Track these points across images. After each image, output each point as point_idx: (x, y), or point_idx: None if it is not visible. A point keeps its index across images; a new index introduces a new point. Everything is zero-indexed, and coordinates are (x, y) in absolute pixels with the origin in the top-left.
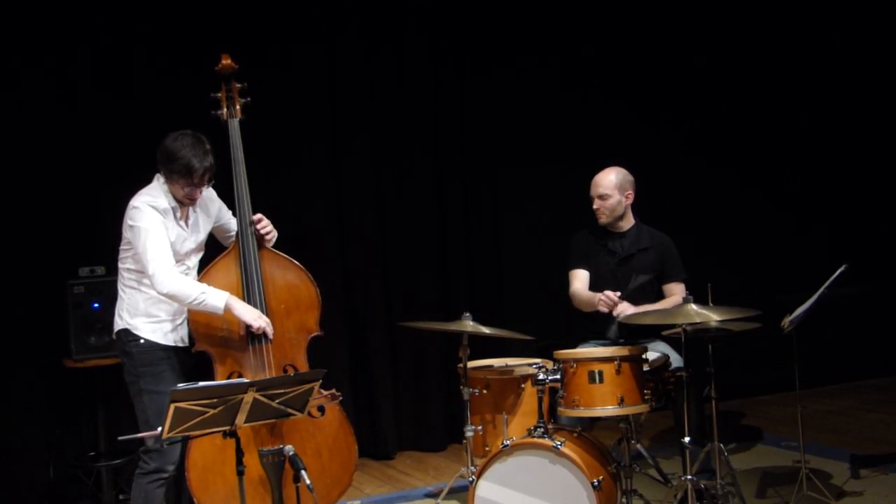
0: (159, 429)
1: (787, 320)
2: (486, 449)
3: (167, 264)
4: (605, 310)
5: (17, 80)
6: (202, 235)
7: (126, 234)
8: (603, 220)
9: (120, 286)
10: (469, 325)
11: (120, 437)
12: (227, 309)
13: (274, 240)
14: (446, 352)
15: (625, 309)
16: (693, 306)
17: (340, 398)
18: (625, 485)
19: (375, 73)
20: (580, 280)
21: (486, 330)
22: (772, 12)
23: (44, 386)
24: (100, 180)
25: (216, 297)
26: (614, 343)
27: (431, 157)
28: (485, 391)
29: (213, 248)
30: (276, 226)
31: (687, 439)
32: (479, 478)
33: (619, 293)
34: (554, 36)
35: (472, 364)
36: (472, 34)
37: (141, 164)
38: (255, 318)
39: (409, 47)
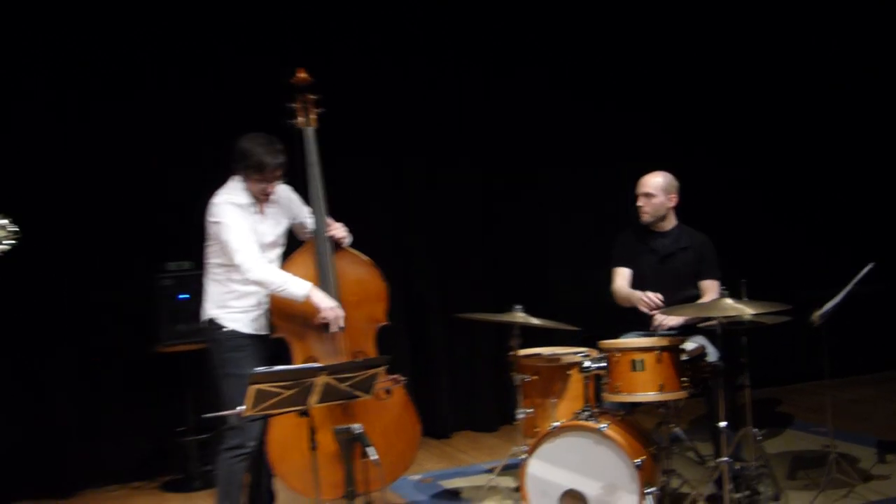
0: (241, 408)
1: (816, 315)
2: (536, 430)
3: (253, 254)
4: (645, 310)
5: (121, 93)
6: (280, 230)
7: (210, 230)
8: (645, 218)
9: (207, 280)
10: (520, 316)
11: (205, 415)
12: (308, 298)
13: (349, 242)
14: (497, 341)
15: (663, 320)
16: (728, 300)
17: (404, 382)
18: (664, 465)
19: (431, 82)
20: (622, 277)
21: (535, 321)
22: (791, 19)
23: (138, 369)
24: (186, 182)
25: (298, 286)
26: (656, 333)
27: (481, 161)
28: (535, 377)
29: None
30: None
31: (723, 424)
32: (530, 456)
33: (660, 295)
34: (597, 54)
35: (522, 352)
36: (521, 50)
37: (224, 167)
38: (330, 306)
39: (460, 60)
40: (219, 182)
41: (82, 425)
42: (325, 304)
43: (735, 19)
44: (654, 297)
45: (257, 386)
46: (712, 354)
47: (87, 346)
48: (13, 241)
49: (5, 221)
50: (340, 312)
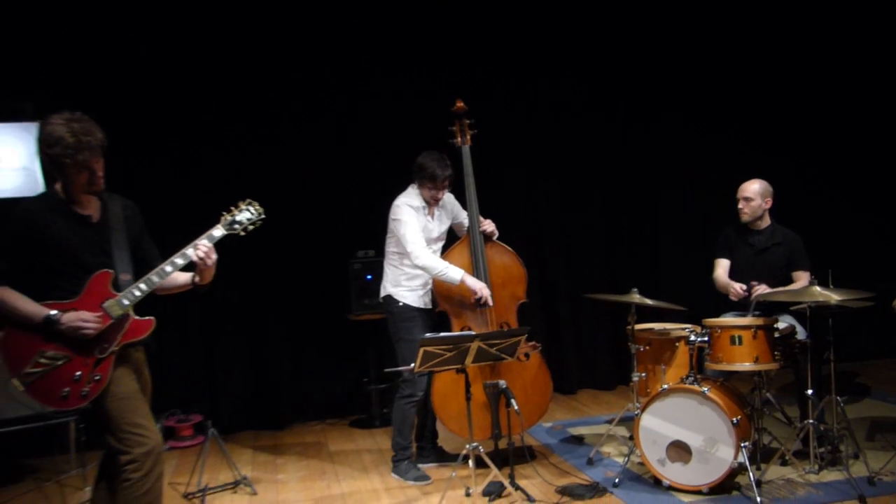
0: (412, 365)
1: None
2: (648, 391)
3: (422, 245)
4: (734, 298)
5: (325, 126)
6: (444, 228)
7: (391, 225)
8: (744, 218)
9: (385, 264)
10: (636, 297)
11: (386, 370)
12: (462, 282)
13: (497, 236)
14: (614, 317)
15: (762, 290)
16: (818, 288)
17: (540, 348)
18: (757, 424)
19: (560, 109)
20: (721, 267)
21: (649, 302)
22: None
23: (334, 332)
24: (371, 191)
25: (455, 272)
26: (752, 314)
27: (603, 173)
28: (647, 347)
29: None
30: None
31: (810, 391)
32: (643, 412)
33: (744, 286)
34: (695, 93)
35: (638, 327)
36: (633, 93)
37: (401, 176)
38: (480, 288)
39: (586, 105)
40: (393, 188)
41: (293, 374)
42: (477, 286)
43: (817, 47)
44: (739, 290)
45: (426, 348)
46: (801, 333)
47: (298, 315)
48: (261, 221)
49: (256, 207)
50: (487, 292)
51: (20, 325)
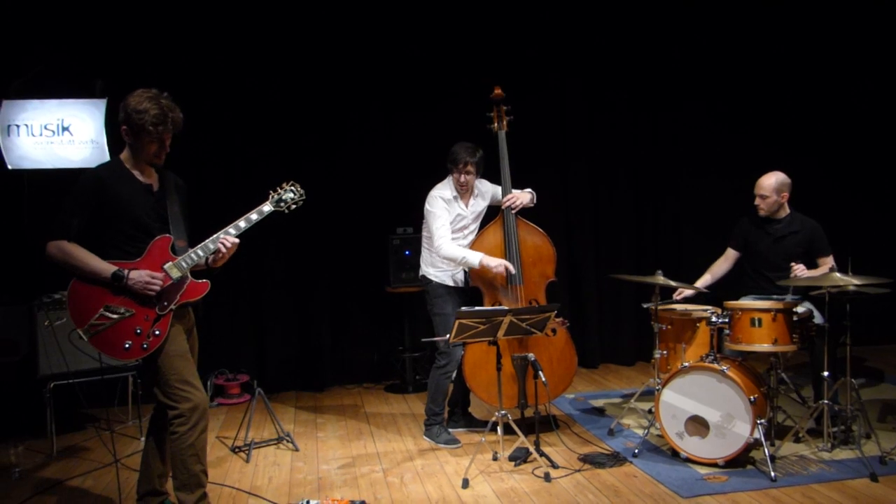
0: (447, 336)
1: None
2: (669, 368)
3: (446, 237)
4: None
5: (382, 120)
6: (475, 214)
7: (425, 214)
8: (761, 213)
9: (422, 247)
10: (661, 279)
11: (423, 339)
12: (481, 264)
13: (516, 206)
14: (637, 296)
15: (800, 271)
16: (837, 274)
17: (568, 324)
18: (773, 402)
19: (593, 105)
20: (725, 257)
21: (673, 283)
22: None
23: (372, 303)
24: (411, 172)
25: (472, 257)
26: (771, 297)
27: (630, 161)
28: (669, 327)
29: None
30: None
31: (826, 373)
32: (663, 387)
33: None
34: (718, 86)
35: (661, 307)
36: (660, 89)
37: (437, 161)
38: (497, 265)
39: (615, 95)
40: (432, 173)
41: (333, 340)
42: (493, 264)
43: (835, 42)
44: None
45: (461, 320)
46: (818, 317)
47: (339, 285)
48: (302, 200)
49: (298, 188)
50: (508, 264)
51: (86, 280)
